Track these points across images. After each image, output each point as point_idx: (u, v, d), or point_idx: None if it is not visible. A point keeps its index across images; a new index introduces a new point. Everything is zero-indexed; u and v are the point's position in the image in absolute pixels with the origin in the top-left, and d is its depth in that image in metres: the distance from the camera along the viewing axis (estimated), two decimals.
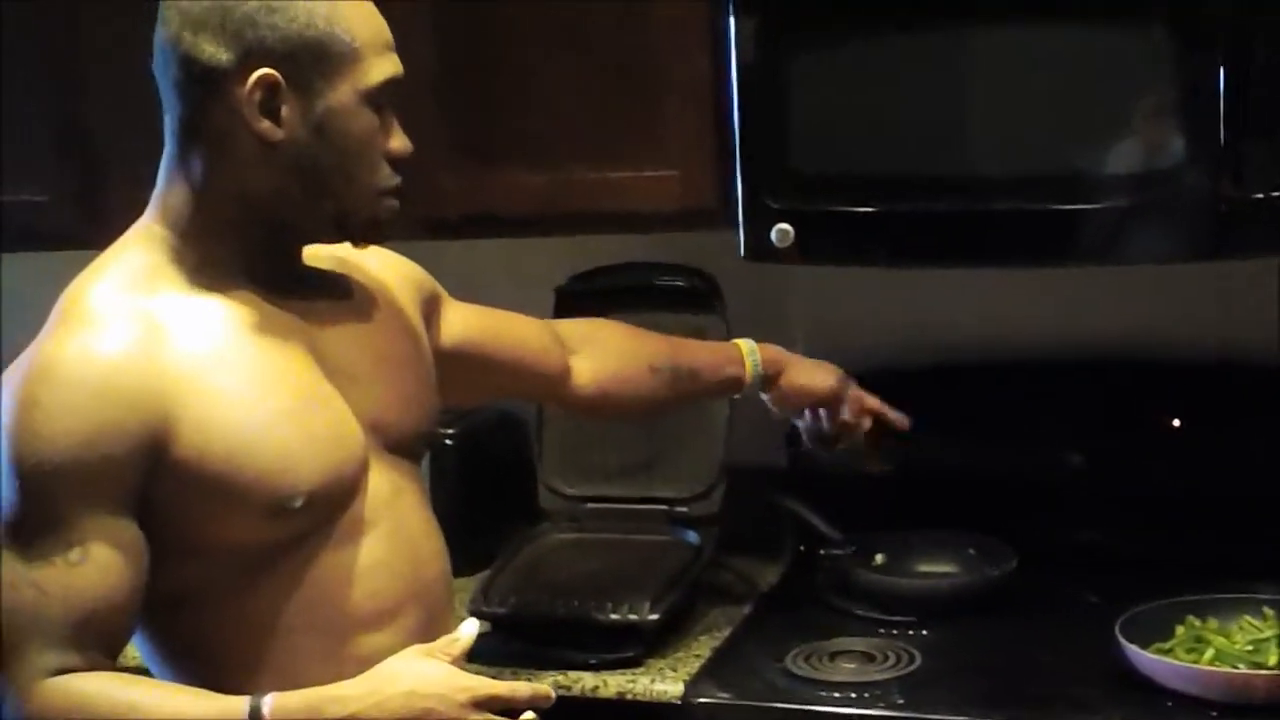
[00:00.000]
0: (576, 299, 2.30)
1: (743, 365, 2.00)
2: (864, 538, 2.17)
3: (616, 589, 2.01)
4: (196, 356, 1.43)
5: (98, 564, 1.38)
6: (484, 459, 2.38)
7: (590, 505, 2.25)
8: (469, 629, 1.48)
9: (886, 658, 1.93)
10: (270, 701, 1.38)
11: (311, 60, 1.43)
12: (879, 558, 2.16)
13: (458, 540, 2.29)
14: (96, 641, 1.40)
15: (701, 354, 2.00)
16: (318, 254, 1.59)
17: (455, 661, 1.44)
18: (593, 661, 1.95)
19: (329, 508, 1.49)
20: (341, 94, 1.45)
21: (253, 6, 1.42)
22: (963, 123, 1.93)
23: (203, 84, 1.43)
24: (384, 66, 1.48)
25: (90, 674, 1.39)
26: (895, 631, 2.02)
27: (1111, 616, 1.87)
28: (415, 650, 1.44)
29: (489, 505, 2.36)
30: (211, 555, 1.45)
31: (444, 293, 1.81)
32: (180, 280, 1.47)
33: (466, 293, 2.55)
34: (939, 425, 2.25)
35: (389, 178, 1.52)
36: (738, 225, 2.00)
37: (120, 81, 2.27)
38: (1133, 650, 1.81)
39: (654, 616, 1.96)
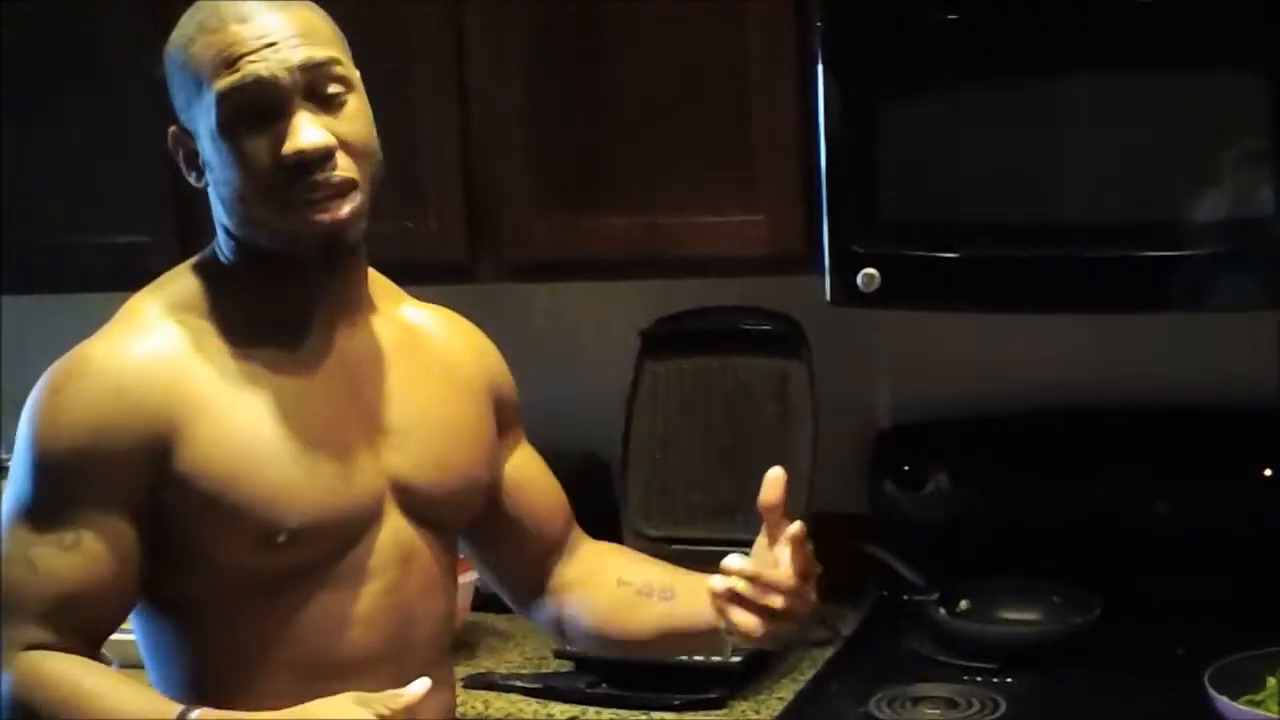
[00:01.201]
0: (661, 342, 2.32)
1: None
2: (948, 584, 2.16)
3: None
4: (218, 377, 1.46)
5: (87, 553, 1.42)
6: (569, 500, 2.39)
7: (674, 547, 2.25)
8: (418, 686, 1.40)
9: (971, 704, 1.92)
10: (197, 714, 1.39)
11: (190, 107, 1.47)
12: (963, 603, 2.15)
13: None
14: (74, 626, 1.43)
15: (684, 578, 1.68)
16: (396, 320, 1.61)
17: (394, 716, 1.37)
18: (677, 702, 1.96)
19: (327, 548, 1.48)
20: (206, 130, 1.45)
21: (173, 65, 1.48)
22: (1051, 170, 1.94)
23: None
24: (221, 82, 1.42)
25: (60, 654, 1.42)
26: (979, 678, 2.01)
27: (1200, 667, 1.85)
28: (351, 695, 1.40)
29: None
30: (207, 573, 1.47)
31: (518, 420, 1.73)
32: (228, 305, 1.49)
33: (553, 334, 2.60)
34: (1024, 471, 2.25)
35: (284, 185, 1.42)
36: (823, 270, 2.01)
37: None
38: (1223, 702, 1.79)
39: (737, 659, 1.97)
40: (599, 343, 2.52)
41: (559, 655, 2.06)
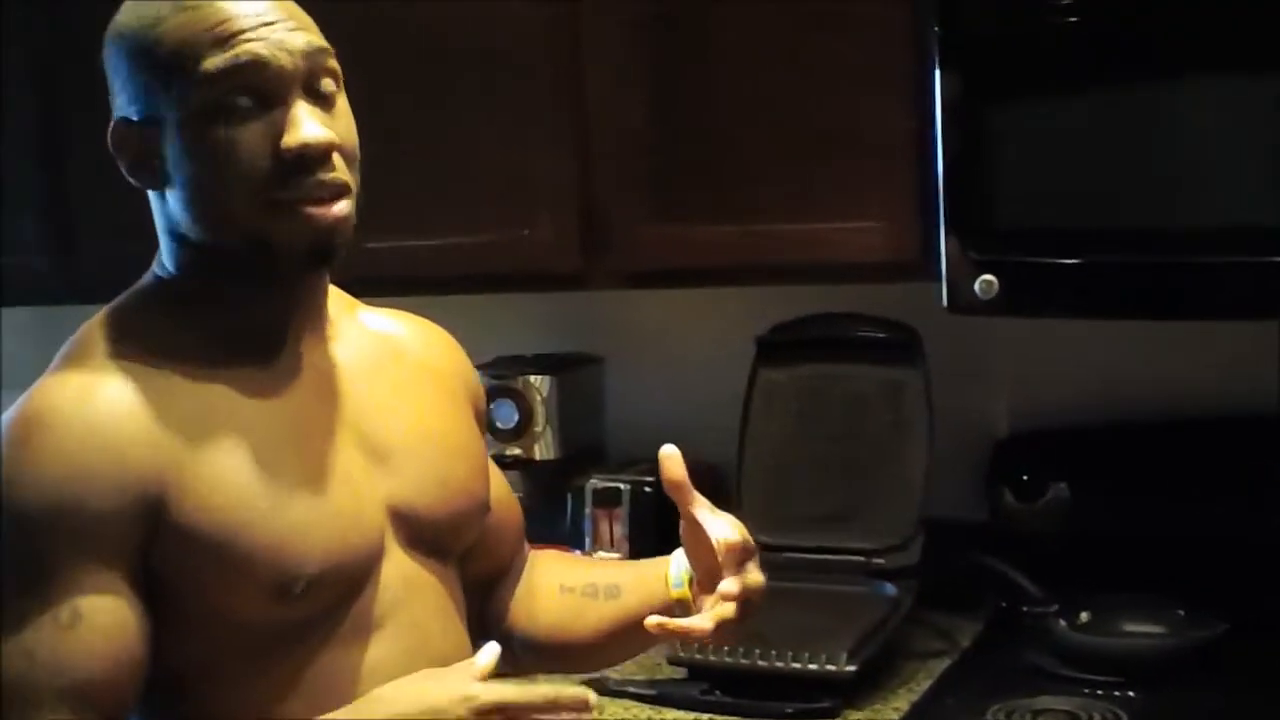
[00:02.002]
0: (776, 349, 2.31)
1: (665, 580, 1.53)
2: (1067, 596, 2.12)
3: (813, 639, 2.01)
4: (198, 413, 1.28)
5: (91, 625, 1.22)
6: None
7: (788, 555, 2.25)
8: (487, 654, 1.28)
9: (1092, 718, 1.89)
10: None
11: (139, 102, 1.30)
12: (1084, 616, 2.11)
13: None
14: (94, 713, 1.23)
15: (622, 569, 1.64)
16: (363, 329, 1.47)
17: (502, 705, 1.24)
18: (789, 711, 1.95)
19: (335, 596, 1.32)
20: (173, 129, 1.29)
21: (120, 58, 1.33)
22: (1172, 173, 1.90)
23: None
24: (213, 61, 1.26)
25: None
26: (1100, 692, 1.97)
27: None
28: (424, 671, 1.28)
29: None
30: (212, 635, 1.29)
31: (485, 429, 1.61)
32: (190, 331, 1.32)
33: (666, 341, 2.60)
34: (1146, 482, 2.21)
35: (275, 179, 1.27)
36: (940, 277, 1.99)
37: None
38: None
39: (851, 668, 1.95)
40: (712, 350, 2.52)
41: (672, 662, 2.05)
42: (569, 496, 2.41)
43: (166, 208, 1.32)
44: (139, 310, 1.34)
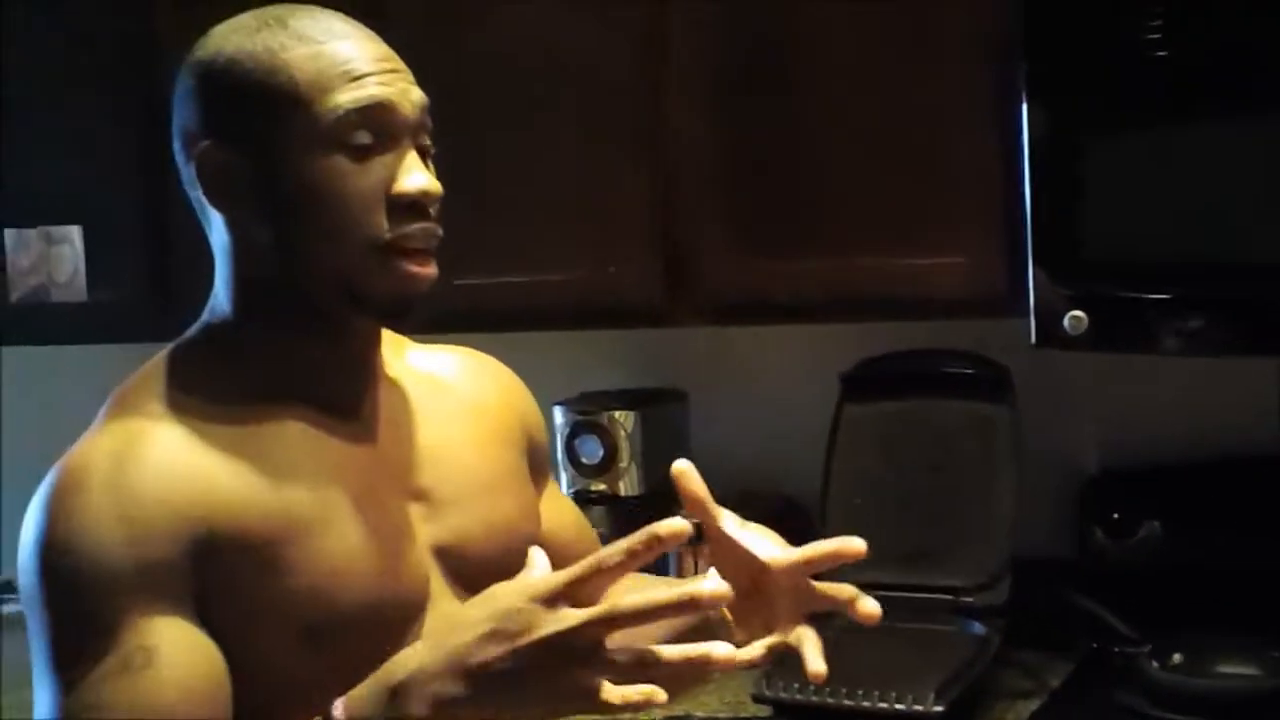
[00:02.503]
0: (862, 385, 2.30)
1: None
2: (1160, 636, 2.09)
3: (901, 678, 1.99)
4: (251, 464, 1.24)
5: (168, 661, 1.17)
6: None
7: (874, 592, 2.22)
8: (536, 554, 1.20)
9: None
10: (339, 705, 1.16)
11: (253, 127, 1.26)
12: (1176, 657, 2.07)
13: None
14: None
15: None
16: (410, 371, 1.41)
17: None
18: None
19: (375, 644, 1.23)
20: (295, 154, 1.25)
21: (194, 81, 1.29)
22: (1262, 208, 1.87)
23: (187, 164, 1.30)
24: (341, 97, 1.24)
25: None
26: None
27: None
28: (477, 597, 1.18)
29: None
30: (245, 686, 1.22)
31: (549, 463, 1.54)
32: (246, 376, 1.28)
33: (750, 377, 2.60)
34: (1238, 520, 2.18)
35: (385, 227, 1.24)
36: (1028, 312, 1.98)
37: None
38: None
39: (939, 708, 1.93)
40: (797, 385, 2.51)
41: (758, 700, 2.05)
42: None
43: (242, 241, 1.28)
44: (189, 359, 1.30)
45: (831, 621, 2.23)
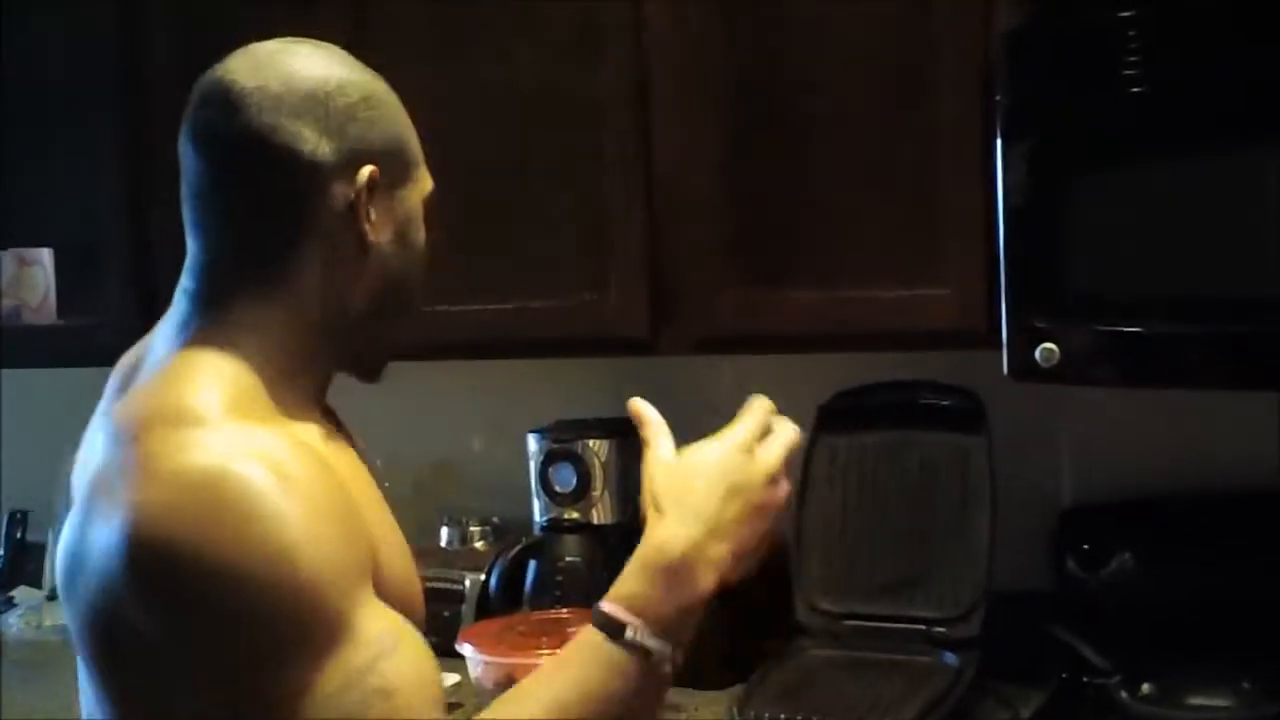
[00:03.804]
0: (838, 416, 2.31)
1: None
2: (1132, 666, 2.10)
3: (875, 708, 2.00)
4: (345, 474, 1.27)
5: (407, 638, 1.20)
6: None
7: (849, 623, 2.24)
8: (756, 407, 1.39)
9: None
10: (619, 611, 1.22)
11: (397, 162, 1.33)
12: (1146, 687, 2.09)
13: (714, 654, 2.33)
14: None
15: None
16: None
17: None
18: None
19: None
20: (413, 199, 1.35)
21: (350, 101, 1.29)
22: (1236, 242, 1.89)
23: (297, 179, 1.27)
24: (429, 177, 1.39)
25: None
26: None
27: None
28: (690, 467, 1.31)
29: (747, 619, 2.36)
30: None
31: None
32: (276, 410, 1.27)
33: (735, 407, 2.59)
34: (1212, 552, 2.19)
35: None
36: (1002, 344, 1.99)
37: None
38: None
39: None
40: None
41: None
42: (627, 562, 2.40)
43: (352, 274, 1.30)
44: (242, 379, 1.26)
45: (809, 652, 2.25)
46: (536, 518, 2.59)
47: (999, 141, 1.96)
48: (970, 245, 2.06)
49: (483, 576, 2.55)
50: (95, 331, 2.58)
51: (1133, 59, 1.89)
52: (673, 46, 2.23)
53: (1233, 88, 1.86)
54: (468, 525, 2.73)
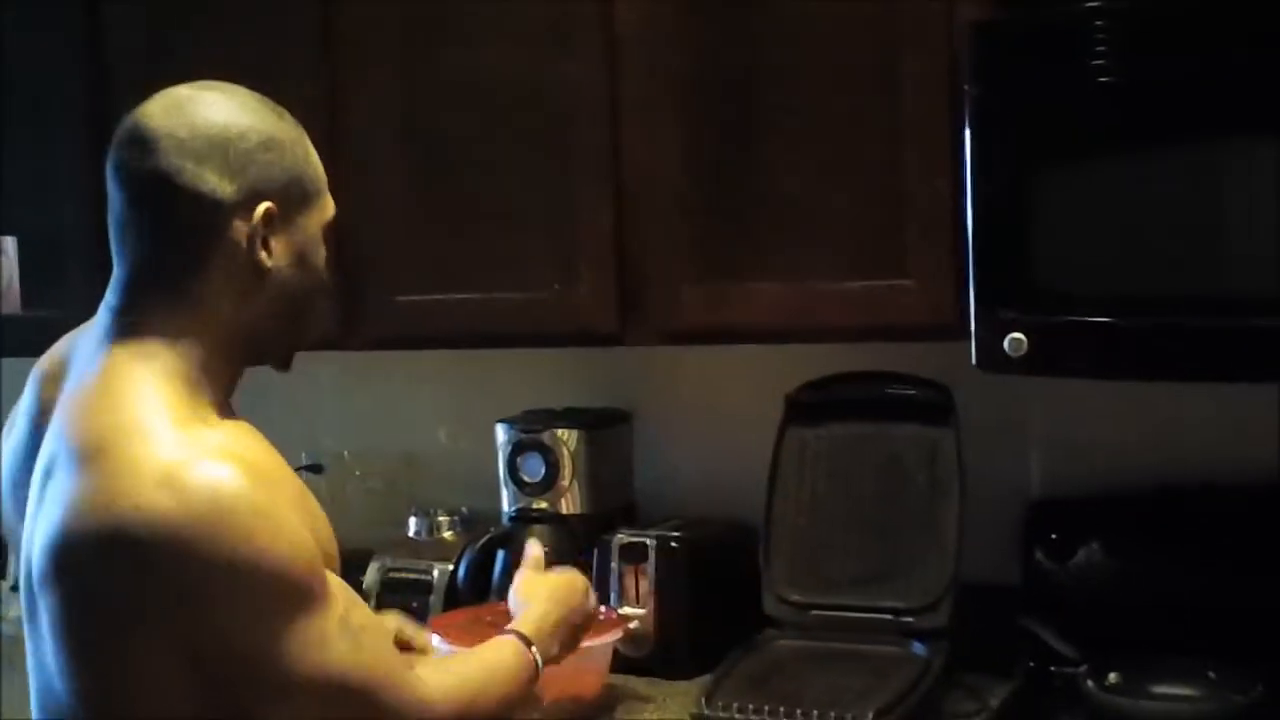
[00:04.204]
0: (806, 407, 2.31)
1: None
2: (1100, 657, 2.11)
3: (842, 699, 2.00)
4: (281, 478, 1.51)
5: (355, 595, 1.52)
6: (711, 564, 2.39)
7: (816, 613, 2.24)
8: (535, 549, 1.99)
9: None
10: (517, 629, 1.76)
11: (296, 195, 1.53)
12: (1113, 676, 2.09)
13: (682, 644, 2.33)
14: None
15: None
16: None
17: None
18: None
19: None
20: (312, 226, 1.55)
21: (255, 143, 1.50)
22: (1205, 236, 1.89)
23: (201, 214, 1.48)
24: (331, 203, 1.59)
25: (418, 667, 1.59)
26: None
27: None
28: (531, 582, 1.90)
29: (715, 610, 2.37)
30: None
31: None
32: (207, 410, 1.48)
33: (702, 398, 2.61)
34: (1180, 544, 2.20)
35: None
36: (970, 335, 1.99)
37: (376, 203, 2.40)
38: None
39: None
40: (744, 408, 2.52)
41: None
42: (596, 551, 2.41)
43: (246, 292, 1.50)
44: (180, 382, 1.48)
45: (777, 643, 2.26)
46: (505, 508, 2.59)
47: (967, 132, 1.96)
48: (936, 237, 2.06)
49: (451, 567, 2.55)
50: (59, 323, 2.54)
51: (1101, 49, 1.90)
52: (641, 43, 2.23)
53: (1202, 80, 1.86)
54: (436, 516, 2.73)
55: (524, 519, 2.55)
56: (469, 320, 2.39)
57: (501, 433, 2.57)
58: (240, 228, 1.48)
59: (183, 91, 1.51)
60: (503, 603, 2.29)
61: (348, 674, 1.44)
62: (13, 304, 2.68)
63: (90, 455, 1.41)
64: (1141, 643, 2.13)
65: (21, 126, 2.69)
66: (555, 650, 1.80)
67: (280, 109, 1.56)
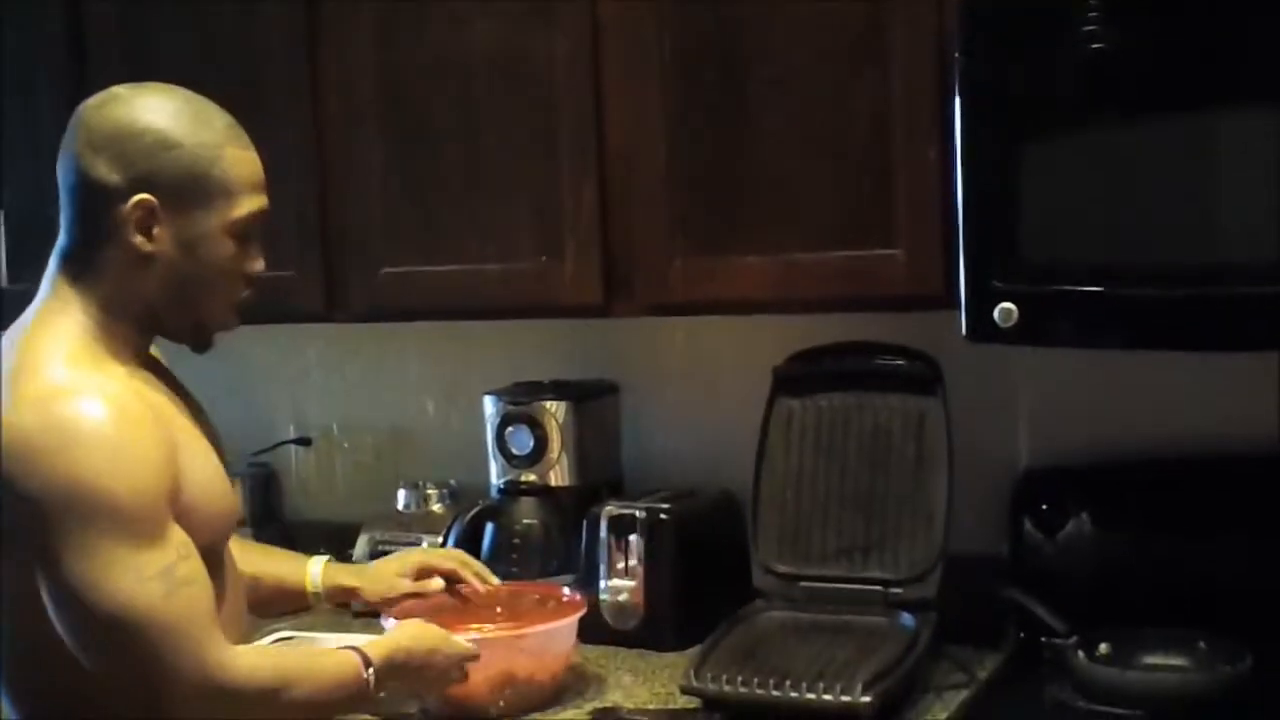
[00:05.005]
0: (794, 379, 2.30)
1: (303, 586, 2.09)
2: (1089, 628, 2.10)
3: (830, 671, 1.99)
4: (165, 413, 1.67)
5: (197, 555, 1.63)
6: (700, 536, 2.39)
7: (805, 585, 2.23)
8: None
9: None
10: (373, 656, 1.79)
11: (190, 192, 1.68)
12: (1103, 647, 2.09)
13: (671, 616, 2.33)
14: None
15: (267, 565, 2.06)
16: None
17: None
18: None
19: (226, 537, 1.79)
20: (210, 222, 1.69)
21: (150, 142, 1.66)
22: (1196, 205, 1.88)
23: (95, 198, 1.67)
24: (251, 203, 1.72)
25: (239, 647, 1.68)
26: None
27: None
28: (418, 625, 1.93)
29: (703, 582, 2.36)
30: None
31: None
32: (106, 360, 1.66)
33: (686, 370, 2.60)
34: (1169, 516, 2.19)
35: (241, 293, 1.76)
36: (960, 305, 1.98)
37: (360, 175, 2.39)
38: None
39: (867, 699, 1.94)
40: (732, 379, 2.51)
41: (687, 692, 2.04)
42: (584, 524, 2.40)
43: (135, 273, 1.68)
44: (86, 335, 1.67)
45: (765, 615, 2.25)
46: (493, 480, 2.58)
47: (957, 100, 1.95)
48: (924, 207, 2.05)
49: (440, 539, 2.54)
50: None
51: (1094, 14, 1.88)
52: (625, 16, 2.22)
53: (1193, 49, 1.84)
54: (424, 488, 2.72)
55: (512, 491, 2.54)
56: (454, 292, 2.38)
57: (489, 405, 2.56)
58: (122, 213, 1.66)
59: (121, 91, 1.71)
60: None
61: (152, 616, 1.56)
62: None
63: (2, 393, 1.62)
64: (1131, 613, 2.13)
65: (9, 97, 2.68)
66: (393, 683, 1.85)
67: (212, 118, 1.71)
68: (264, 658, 1.75)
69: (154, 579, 1.56)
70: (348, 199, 2.45)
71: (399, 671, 1.84)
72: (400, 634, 1.90)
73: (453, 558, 2.17)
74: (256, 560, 2.02)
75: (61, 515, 1.55)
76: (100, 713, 1.63)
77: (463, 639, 1.95)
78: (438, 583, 2.12)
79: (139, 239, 1.67)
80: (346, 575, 2.11)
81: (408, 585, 2.11)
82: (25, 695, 1.70)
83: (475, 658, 1.94)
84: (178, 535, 1.61)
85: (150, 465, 1.59)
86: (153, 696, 1.59)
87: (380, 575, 2.12)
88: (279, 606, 2.12)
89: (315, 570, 2.08)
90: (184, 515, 1.63)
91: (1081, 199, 1.93)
